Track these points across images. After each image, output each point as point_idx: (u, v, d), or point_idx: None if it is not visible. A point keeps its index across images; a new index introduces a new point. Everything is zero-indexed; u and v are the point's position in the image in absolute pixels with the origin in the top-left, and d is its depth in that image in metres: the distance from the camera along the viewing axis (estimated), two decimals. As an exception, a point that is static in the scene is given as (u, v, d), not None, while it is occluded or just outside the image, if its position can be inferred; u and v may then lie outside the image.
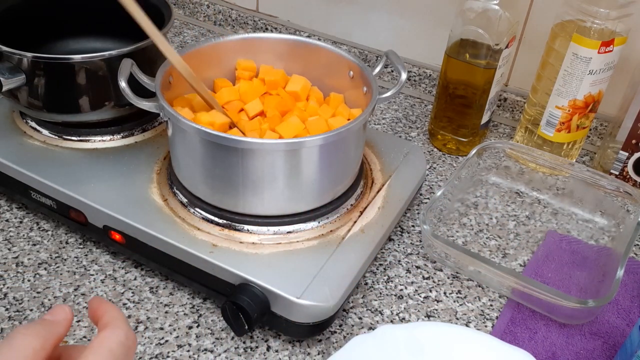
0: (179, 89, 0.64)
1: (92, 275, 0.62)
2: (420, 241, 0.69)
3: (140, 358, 0.55)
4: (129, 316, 0.58)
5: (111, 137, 0.69)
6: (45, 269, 0.63)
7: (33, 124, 0.70)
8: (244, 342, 0.57)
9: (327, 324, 0.55)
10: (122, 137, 0.70)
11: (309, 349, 0.57)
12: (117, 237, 0.61)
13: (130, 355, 0.35)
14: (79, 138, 0.69)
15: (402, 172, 0.69)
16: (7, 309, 0.58)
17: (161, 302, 0.60)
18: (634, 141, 0.74)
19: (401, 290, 0.63)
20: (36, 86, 0.65)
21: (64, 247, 0.65)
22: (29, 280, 0.61)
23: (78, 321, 0.58)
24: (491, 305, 0.63)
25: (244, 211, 0.59)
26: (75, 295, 0.60)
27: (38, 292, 0.60)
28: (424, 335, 0.53)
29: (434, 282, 0.65)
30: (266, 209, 0.59)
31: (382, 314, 0.61)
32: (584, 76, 0.72)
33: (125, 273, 0.63)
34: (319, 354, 0.57)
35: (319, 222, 0.61)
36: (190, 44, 0.95)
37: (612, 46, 0.70)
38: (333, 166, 0.59)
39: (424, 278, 0.65)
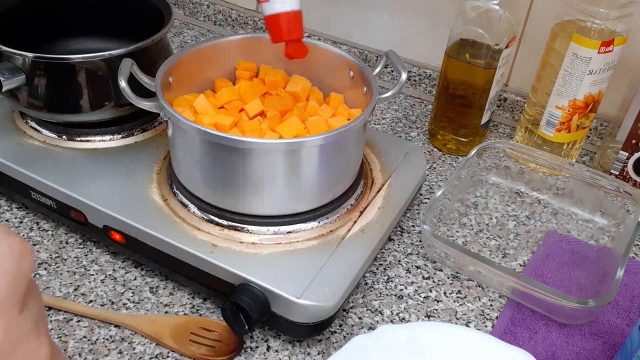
0: (179, 89, 0.64)
1: (92, 275, 0.62)
2: (420, 241, 0.69)
3: (140, 358, 0.55)
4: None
5: (111, 137, 0.69)
6: (45, 269, 0.63)
7: (33, 124, 0.70)
8: (244, 342, 0.57)
9: (327, 324, 0.55)
10: (122, 137, 0.70)
11: (309, 349, 0.57)
12: (117, 237, 0.61)
13: (23, 262, 0.32)
14: (79, 138, 0.69)
15: (402, 172, 0.69)
16: (7, 309, 0.58)
17: (161, 302, 0.60)
18: (634, 141, 0.74)
19: (401, 290, 0.64)
20: (36, 86, 0.65)
21: (64, 247, 0.65)
22: (29, 280, 0.61)
23: (78, 321, 0.58)
24: (491, 305, 0.63)
25: (244, 211, 0.59)
26: (75, 295, 0.60)
27: (38, 292, 0.60)
28: (424, 335, 0.53)
29: (434, 282, 0.65)
30: (266, 209, 0.59)
31: (382, 314, 0.61)
32: (584, 76, 0.72)
33: (125, 273, 0.63)
34: (319, 354, 0.57)
35: (319, 222, 0.61)
36: (190, 44, 0.95)
37: (612, 46, 0.70)
38: (333, 166, 0.59)
39: (424, 278, 0.65)
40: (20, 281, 0.31)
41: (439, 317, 0.61)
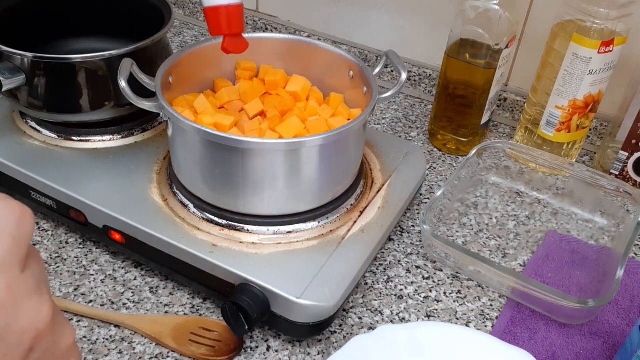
0: (179, 89, 0.64)
1: (92, 275, 0.62)
2: (420, 241, 0.69)
3: (140, 358, 0.55)
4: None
5: (111, 137, 0.69)
6: (45, 269, 0.62)
7: (33, 124, 0.70)
8: (244, 342, 0.57)
9: (327, 324, 0.55)
10: (122, 137, 0.70)
11: (309, 349, 0.57)
12: (117, 237, 0.61)
13: (23, 223, 0.32)
14: (79, 138, 0.69)
15: (402, 172, 0.69)
16: (7, 309, 0.58)
17: (161, 302, 0.60)
18: (634, 141, 0.74)
19: (401, 290, 0.64)
20: (36, 86, 0.65)
21: (64, 247, 0.65)
22: (29, 280, 0.61)
23: (78, 321, 0.58)
24: (491, 305, 0.63)
25: (244, 211, 0.59)
26: (75, 295, 0.60)
27: (38, 292, 0.60)
28: (424, 335, 0.53)
29: (434, 282, 0.65)
30: (266, 209, 0.59)
31: (382, 314, 0.61)
32: (584, 76, 0.72)
33: (125, 273, 0.63)
34: (319, 354, 0.57)
35: (319, 222, 0.61)
36: (190, 44, 0.95)
37: (612, 46, 0.70)
38: (333, 166, 0.59)
39: (424, 278, 0.65)
40: (21, 242, 0.32)
41: (439, 317, 0.61)
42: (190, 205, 0.61)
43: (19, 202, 0.33)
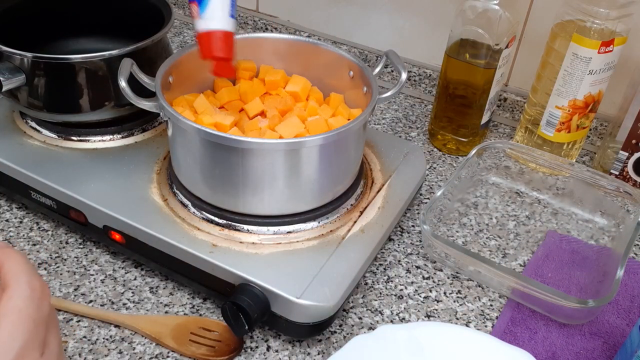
0: (179, 89, 0.64)
1: (92, 275, 0.62)
2: (420, 241, 0.69)
3: (140, 358, 0.55)
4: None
5: (111, 137, 0.69)
6: (45, 269, 0.63)
7: (33, 124, 0.70)
8: (244, 342, 0.57)
9: (327, 324, 0.55)
10: (122, 137, 0.70)
11: (309, 349, 0.57)
12: (117, 237, 0.61)
13: (42, 304, 0.32)
14: (79, 138, 0.69)
15: (402, 172, 0.69)
16: (7, 309, 0.58)
17: (161, 302, 0.60)
18: (634, 141, 0.74)
19: (401, 290, 0.64)
20: (36, 86, 0.65)
21: (64, 247, 0.65)
22: (29, 280, 0.61)
23: (78, 321, 0.58)
24: (491, 305, 0.63)
25: (244, 211, 0.59)
26: (75, 295, 0.60)
27: (38, 292, 0.60)
28: (424, 335, 0.53)
29: (434, 282, 0.65)
30: (266, 209, 0.59)
31: (382, 314, 0.61)
32: (584, 76, 0.72)
33: (125, 273, 0.63)
34: (319, 354, 0.57)
35: (319, 222, 0.61)
36: (190, 44, 0.94)
37: (612, 46, 0.70)
38: (333, 166, 0.59)
39: (424, 278, 0.65)
40: (41, 323, 0.32)
41: (439, 317, 0.61)
42: (190, 205, 0.61)
43: (40, 278, 0.32)
